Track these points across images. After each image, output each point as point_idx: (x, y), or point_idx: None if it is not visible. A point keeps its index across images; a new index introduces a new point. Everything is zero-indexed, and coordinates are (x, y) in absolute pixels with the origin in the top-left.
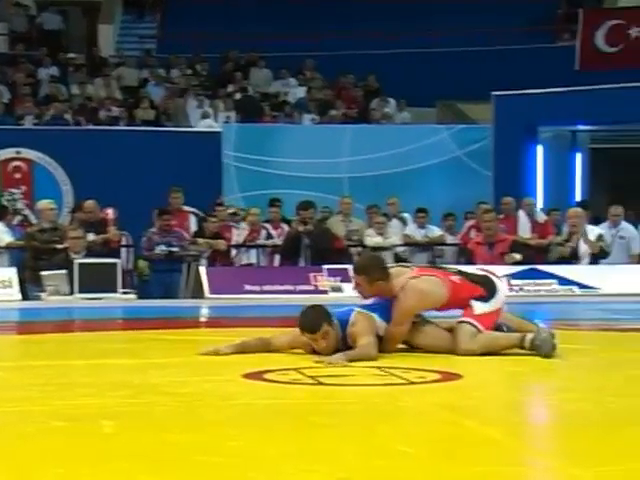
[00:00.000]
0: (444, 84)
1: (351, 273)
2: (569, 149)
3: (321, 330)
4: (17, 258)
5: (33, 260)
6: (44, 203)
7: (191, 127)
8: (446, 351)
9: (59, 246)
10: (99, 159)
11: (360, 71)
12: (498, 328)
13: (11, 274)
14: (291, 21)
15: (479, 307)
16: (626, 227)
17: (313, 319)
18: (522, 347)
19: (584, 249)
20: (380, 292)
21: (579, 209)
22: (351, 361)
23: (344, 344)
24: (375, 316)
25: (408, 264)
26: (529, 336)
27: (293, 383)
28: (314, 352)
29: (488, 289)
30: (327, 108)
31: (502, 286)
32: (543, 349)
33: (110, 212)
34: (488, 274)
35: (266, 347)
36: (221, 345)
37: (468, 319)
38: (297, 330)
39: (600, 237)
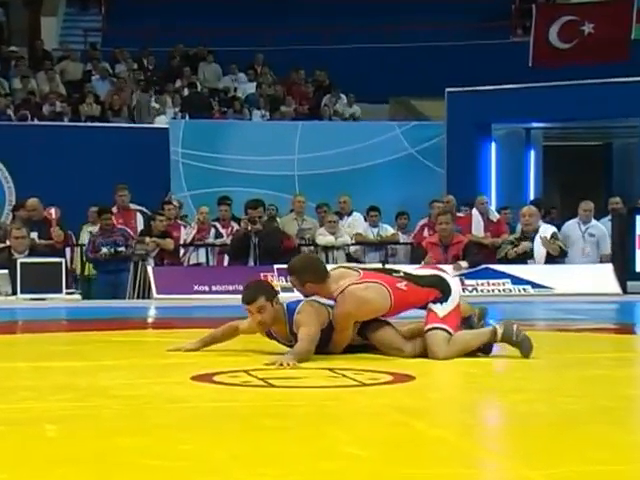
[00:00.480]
0: (397, 80)
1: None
2: (523, 146)
3: (256, 302)
4: None
5: None
6: None
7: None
8: (396, 355)
9: (1, 245)
10: (43, 156)
11: (311, 66)
12: (467, 319)
13: None
14: (241, 15)
15: (441, 309)
16: (596, 225)
17: (251, 291)
18: (494, 342)
19: (539, 249)
20: (315, 293)
21: (532, 207)
22: (300, 361)
23: (291, 332)
24: (327, 307)
25: (357, 267)
26: (500, 331)
27: (243, 385)
28: (270, 335)
29: (442, 289)
30: (277, 104)
31: (454, 282)
32: (525, 347)
33: (53, 212)
34: (438, 273)
35: (234, 332)
36: (183, 343)
37: (437, 324)
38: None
39: (554, 235)
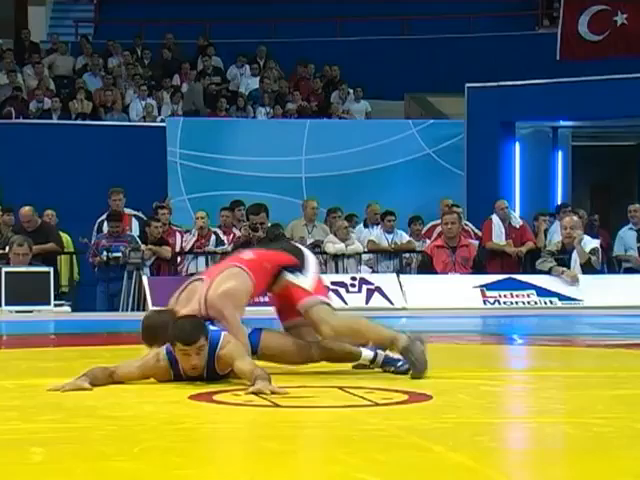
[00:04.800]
0: (413, 75)
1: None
2: (549, 147)
3: (198, 343)
4: None
5: None
6: None
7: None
8: (299, 358)
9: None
10: (30, 156)
11: (320, 60)
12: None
13: None
14: (243, 4)
15: (305, 281)
16: None
17: (192, 329)
18: (389, 349)
19: (577, 260)
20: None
21: (575, 217)
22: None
23: (209, 368)
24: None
25: (200, 275)
26: (403, 341)
27: (245, 405)
28: (170, 380)
29: (296, 256)
30: (283, 101)
31: (308, 251)
32: (417, 366)
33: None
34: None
35: (109, 379)
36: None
37: (312, 299)
38: (150, 355)
39: (594, 251)
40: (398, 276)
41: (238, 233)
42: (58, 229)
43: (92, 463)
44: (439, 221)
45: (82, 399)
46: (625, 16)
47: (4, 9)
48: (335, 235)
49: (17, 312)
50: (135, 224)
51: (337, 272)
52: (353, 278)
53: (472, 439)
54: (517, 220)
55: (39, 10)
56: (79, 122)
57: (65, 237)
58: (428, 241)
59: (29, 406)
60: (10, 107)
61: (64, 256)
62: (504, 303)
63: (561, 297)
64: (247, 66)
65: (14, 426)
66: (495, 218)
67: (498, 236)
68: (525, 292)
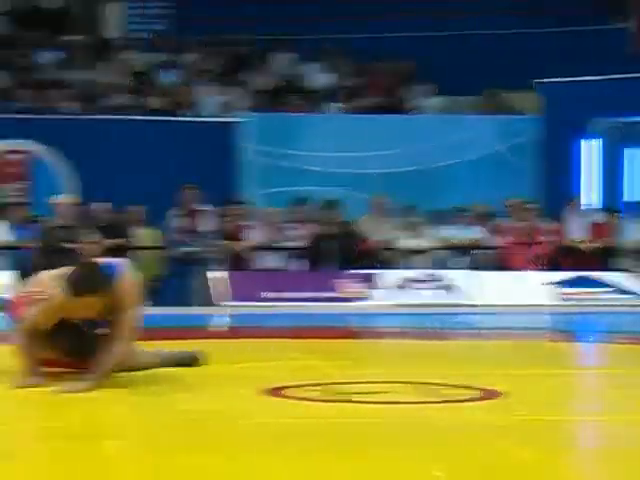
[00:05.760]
0: (486, 70)
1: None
2: (625, 143)
3: (90, 297)
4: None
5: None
6: (60, 198)
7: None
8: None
9: (71, 245)
10: (105, 151)
11: (394, 55)
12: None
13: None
14: (321, 2)
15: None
16: None
17: (86, 282)
18: None
19: None
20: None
21: None
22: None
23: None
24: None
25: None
26: None
27: (317, 400)
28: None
29: None
30: (357, 96)
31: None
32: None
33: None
34: None
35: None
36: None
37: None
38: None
39: None
40: (472, 273)
41: (310, 229)
42: (145, 224)
43: (162, 457)
44: (513, 218)
45: (154, 392)
46: None
47: (80, 5)
48: (407, 231)
49: None
50: (208, 220)
51: (408, 268)
52: (426, 274)
53: (543, 436)
54: (595, 217)
55: (115, 7)
56: (154, 118)
57: (148, 232)
58: (502, 238)
59: (101, 398)
60: (86, 103)
61: (148, 251)
62: (580, 300)
63: (638, 295)
64: (321, 62)
65: (87, 419)
66: (573, 215)
67: (575, 232)
68: (601, 289)
